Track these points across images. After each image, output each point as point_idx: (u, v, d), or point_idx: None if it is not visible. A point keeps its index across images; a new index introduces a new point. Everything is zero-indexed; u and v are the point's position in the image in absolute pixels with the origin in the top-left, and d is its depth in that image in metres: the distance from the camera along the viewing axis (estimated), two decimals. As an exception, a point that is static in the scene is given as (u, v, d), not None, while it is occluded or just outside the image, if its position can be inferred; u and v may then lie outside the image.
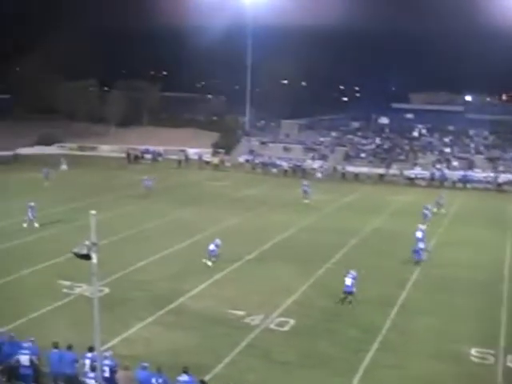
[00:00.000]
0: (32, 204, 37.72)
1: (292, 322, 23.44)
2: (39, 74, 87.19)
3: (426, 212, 40.85)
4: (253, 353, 20.73)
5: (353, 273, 26.03)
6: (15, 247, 33.19)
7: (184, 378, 16.49)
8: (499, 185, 60.07)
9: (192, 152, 73.25)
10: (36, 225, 37.24)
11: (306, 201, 47.37)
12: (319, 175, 62.85)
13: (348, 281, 25.58)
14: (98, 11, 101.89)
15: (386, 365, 20.15)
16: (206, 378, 17.84)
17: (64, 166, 62.67)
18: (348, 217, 42.86)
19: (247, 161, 69.46)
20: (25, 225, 37.08)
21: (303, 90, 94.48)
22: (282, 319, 23.68)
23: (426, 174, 63.23)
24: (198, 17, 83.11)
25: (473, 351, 21.30)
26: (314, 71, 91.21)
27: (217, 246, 30.62)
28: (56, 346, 17.79)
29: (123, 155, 73.87)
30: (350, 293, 25.46)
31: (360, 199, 51.69)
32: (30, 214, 37.35)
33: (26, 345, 17.83)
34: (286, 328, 22.92)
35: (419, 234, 33.30)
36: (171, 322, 23.30)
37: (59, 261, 30.05)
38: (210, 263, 30.15)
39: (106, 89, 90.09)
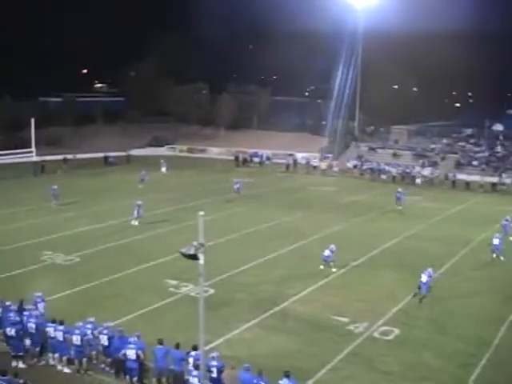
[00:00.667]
0: (139, 203, 39.04)
1: (396, 331, 22.97)
2: (152, 79, 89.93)
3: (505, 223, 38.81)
4: (355, 360, 20.47)
5: (430, 271, 26.82)
6: (124, 245, 34.40)
7: (285, 382, 16.50)
8: None
9: (300, 156, 73.29)
10: (136, 223, 38.43)
11: (399, 207, 46.30)
12: (418, 181, 61.66)
13: (424, 278, 26.42)
14: (211, 17, 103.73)
15: (495, 383, 19.34)
16: (308, 383, 17.80)
17: (163, 169, 63.16)
18: (458, 226, 41.50)
19: (355, 166, 68.64)
20: (136, 222, 38.40)
21: (414, 96, 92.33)
22: (386, 328, 23.25)
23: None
24: (309, 21, 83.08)
25: None
26: (426, 76, 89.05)
27: (332, 251, 30.61)
28: (161, 342, 18.31)
29: (232, 158, 75.05)
30: (427, 290, 26.30)
31: (471, 208, 49.89)
32: (135, 212, 38.63)
33: (132, 339, 18.49)
34: (390, 337, 22.49)
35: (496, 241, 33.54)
36: (274, 325, 23.38)
37: (166, 260, 30.87)
38: (322, 267, 30.41)
39: (216, 93, 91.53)
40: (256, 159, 74.62)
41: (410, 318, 24.40)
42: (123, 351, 18.34)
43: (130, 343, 18.38)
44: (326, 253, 30.56)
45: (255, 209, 45.50)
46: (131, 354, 18.14)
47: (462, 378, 19.41)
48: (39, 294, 22.36)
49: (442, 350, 21.57)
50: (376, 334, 22.68)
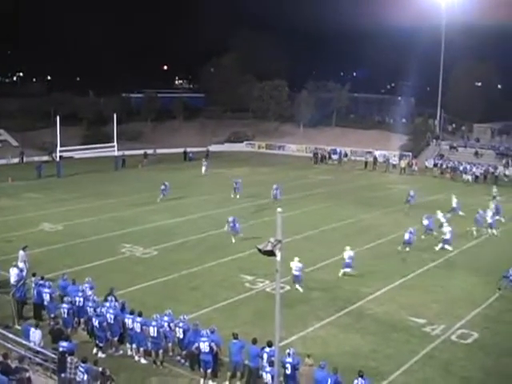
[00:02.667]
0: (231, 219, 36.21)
1: (475, 335, 22.39)
2: (232, 75, 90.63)
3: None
4: (432, 363, 20.09)
5: None
6: (202, 239, 34.88)
7: (360, 381, 16.37)
8: None
9: (379, 154, 72.42)
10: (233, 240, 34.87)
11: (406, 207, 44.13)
12: (469, 177, 60.15)
13: None
14: (291, 14, 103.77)
15: None
16: (382, 384, 17.62)
17: (204, 169, 59.57)
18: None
19: (435, 165, 67.30)
20: (232, 240, 34.82)
21: (498, 93, 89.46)
22: (465, 331, 22.70)
23: None
24: (390, 16, 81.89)
25: None
26: (511, 73, 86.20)
27: (412, 233, 33.04)
28: (236, 336, 18.47)
29: (310, 155, 74.92)
30: None
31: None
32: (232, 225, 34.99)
33: (205, 332, 18.67)
34: (468, 341, 21.93)
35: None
36: (349, 324, 23.24)
37: (243, 255, 31.12)
38: (399, 248, 32.81)
39: (295, 90, 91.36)
40: (334, 156, 74.20)
41: (490, 323, 23.74)
42: (196, 345, 18.59)
43: (203, 336, 18.61)
44: (406, 236, 32.65)
45: (332, 206, 45.26)
46: (204, 346, 18.36)
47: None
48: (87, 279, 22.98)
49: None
50: (454, 337, 22.17)
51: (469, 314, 24.40)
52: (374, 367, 19.10)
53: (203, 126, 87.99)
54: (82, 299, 21.48)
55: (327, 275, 28.86)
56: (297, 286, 26.46)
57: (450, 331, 22.65)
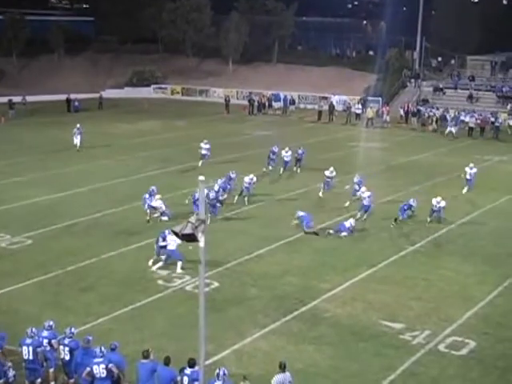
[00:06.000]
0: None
1: (472, 344, 22.86)
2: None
3: None
4: (414, 383, 20.48)
5: None
6: (95, 221, 34.64)
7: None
8: None
9: (337, 100, 72.99)
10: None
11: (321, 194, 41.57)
12: (452, 130, 61.72)
13: None
14: None
15: None
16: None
17: (77, 140, 52.81)
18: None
19: (415, 114, 68.27)
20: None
21: (501, 12, 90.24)
22: (457, 339, 23.17)
23: None
24: None
25: None
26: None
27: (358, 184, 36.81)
28: (146, 355, 18.32)
29: (244, 102, 74.93)
30: None
31: None
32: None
33: (98, 350, 18.35)
34: (462, 352, 22.39)
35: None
36: (300, 331, 23.42)
37: (152, 241, 31.01)
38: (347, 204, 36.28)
39: (222, 11, 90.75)
40: (277, 104, 74.44)
41: (492, 326, 24.30)
42: (88, 369, 18.23)
43: (96, 356, 18.26)
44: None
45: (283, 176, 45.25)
46: (99, 370, 18.04)
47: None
48: None
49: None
50: (442, 348, 22.60)
51: (462, 316, 24.89)
52: (335, 390, 19.31)
53: (94, 63, 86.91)
54: None
55: (268, 266, 29.01)
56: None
57: (438, 339, 23.06)
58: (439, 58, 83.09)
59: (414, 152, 54.15)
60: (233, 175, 38.87)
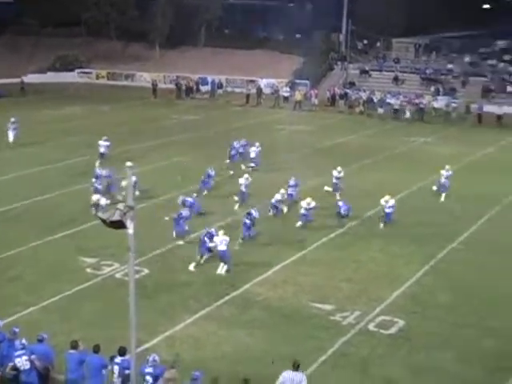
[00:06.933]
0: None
1: (401, 322, 23.26)
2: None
3: None
4: (344, 363, 20.68)
5: None
6: (22, 209, 34.26)
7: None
8: None
9: (265, 83, 73.12)
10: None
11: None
12: (408, 115, 62.52)
13: None
14: None
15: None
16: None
17: (10, 137, 49.85)
18: (485, 178, 41.99)
19: (342, 97, 68.81)
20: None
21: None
22: (386, 318, 23.54)
23: None
24: None
25: None
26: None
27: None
28: (74, 345, 18.14)
29: (171, 86, 74.60)
30: None
31: (504, 152, 50.55)
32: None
33: (20, 343, 18.02)
34: (391, 331, 22.78)
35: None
36: (232, 316, 23.52)
37: (82, 230, 30.69)
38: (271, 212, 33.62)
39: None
40: (204, 88, 74.30)
41: (419, 305, 24.75)
42: (10, 364, 17.90)
43: (16, 349, 17.91)
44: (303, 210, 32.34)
45: (199, 158, 44.90)
46: (23, 363, 17.76)
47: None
48: None
49: (466, 348, 21.85)
50: (372, 327, 22.95)
51: (391, 296, 25.29)
52: (265, 374, 19.22)
53: (13, 47, 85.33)
54: None
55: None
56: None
57: (367, 319, 23.38)
58: (365, 41, 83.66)
59: (342, 134, 54.59)
60: (211, 172, 37.38)
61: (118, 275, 26.12)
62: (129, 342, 14.70)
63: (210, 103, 69.38)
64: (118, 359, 17.38)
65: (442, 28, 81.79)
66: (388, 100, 65.54)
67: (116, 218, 13.48)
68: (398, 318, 23.52)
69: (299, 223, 32.27)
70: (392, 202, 32.89)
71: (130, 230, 13.69)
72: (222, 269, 26.79)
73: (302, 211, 32.32)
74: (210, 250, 27.15)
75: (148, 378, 17.19)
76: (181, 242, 29.65)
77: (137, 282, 14.56)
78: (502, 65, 73.26)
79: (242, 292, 25.40)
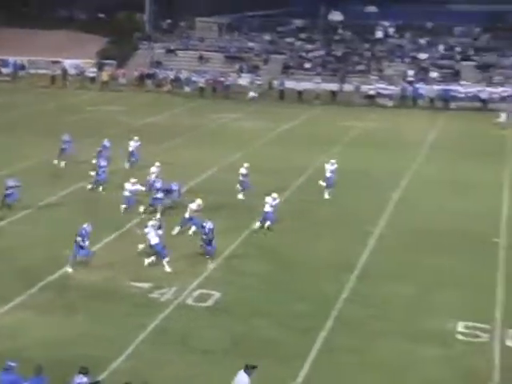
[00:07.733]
0: None
1: (217, 294, 23.69)
2: None
3: None
4: (164, 339, 20.84)
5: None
6: None
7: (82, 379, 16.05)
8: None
9: (70, 64, 71.89)
10: None
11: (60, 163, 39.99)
12: (252, 94, 63.17)
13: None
14: None
15: (344, 348, 20.54)
16: (102, 376, 17.83)
17: None
18: (289, 150, 43.17)
19: (148, 76, 68.68)
20: None
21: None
22: (203, 291, 23.91)
23: (394, 90, 63.73)
24: None
25: (459, 327, 22.05)
26: None
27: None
28: None
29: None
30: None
31: (305, 126, 52.19)
32: None
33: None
34: (208, 303, 23.16)
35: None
36: (48, 301, 23.15)
37: None
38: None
39: None
40: (5, 70, 72.39)
41: (235, 275, 25.34)
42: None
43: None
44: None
45: (11, 144, 43.67)
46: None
47: (304, 348, 20.43)
48: None
49: (279, 314, 22.53)
50: (190, 301, 23.26)
51: (206, 269, 25.70)
52: (88, 356, 18.99)
53: None
54: None
55: (8, 239, 28.35)
56: None
57: (185, 294, 23.69)
58: (168, 21, 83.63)
59: (151, 114, 54.64)
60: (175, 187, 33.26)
61: None
62: None
63: (12, 85, 67.54)
64: None
65: (242, 7, 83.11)
66: (194, 78, 66.18)
67: None
68: (214, 291, 23.95)
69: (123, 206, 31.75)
70: (278, 200, 30.56)
71: None
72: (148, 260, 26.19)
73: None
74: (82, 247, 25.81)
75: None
76: None
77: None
78: (299, 43, 75.21)
79: (58, 277, 25.01)
